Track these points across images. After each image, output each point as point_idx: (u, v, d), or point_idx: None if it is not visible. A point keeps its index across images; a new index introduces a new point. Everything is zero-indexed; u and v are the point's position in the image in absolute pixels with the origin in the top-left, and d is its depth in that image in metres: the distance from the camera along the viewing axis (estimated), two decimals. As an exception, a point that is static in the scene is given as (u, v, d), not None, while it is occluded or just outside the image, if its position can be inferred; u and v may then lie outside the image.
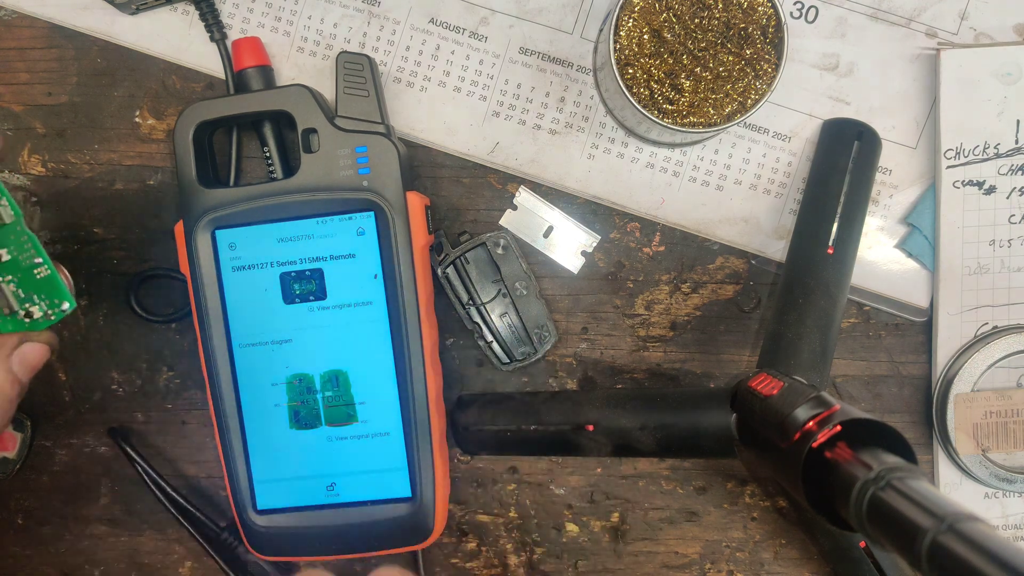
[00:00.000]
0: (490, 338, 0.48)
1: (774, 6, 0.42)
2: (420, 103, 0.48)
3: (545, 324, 0.49)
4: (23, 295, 0.36)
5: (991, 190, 0.47)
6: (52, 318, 0.36)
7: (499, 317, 0.48)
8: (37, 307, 0.36)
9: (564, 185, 0.49)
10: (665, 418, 0.42)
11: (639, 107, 0.42)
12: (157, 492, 0.49)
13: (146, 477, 0.48)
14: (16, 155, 0.49)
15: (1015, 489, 0.48)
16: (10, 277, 0.35)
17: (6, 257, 0.35)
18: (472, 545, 0.50)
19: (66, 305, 0.36)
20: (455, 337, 0.50)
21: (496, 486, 0.50)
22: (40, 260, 0.36)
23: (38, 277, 0.36)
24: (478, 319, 0.48)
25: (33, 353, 0.36)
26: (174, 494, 0.48)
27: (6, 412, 0.34)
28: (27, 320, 0.36)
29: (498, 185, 0.49)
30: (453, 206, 0.49)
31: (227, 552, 0.48)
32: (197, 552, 0.50)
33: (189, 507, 0.49)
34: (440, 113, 0.48)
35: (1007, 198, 0.47)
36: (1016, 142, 0.47)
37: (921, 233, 0.48)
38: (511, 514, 0.50)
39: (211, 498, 0.50)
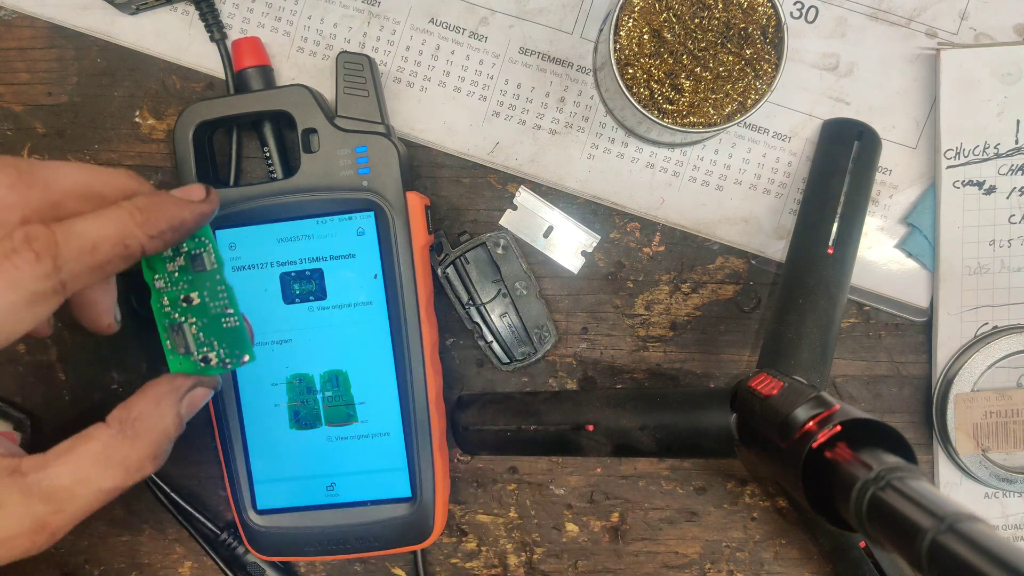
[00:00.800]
0: (490, 338, 0.48)
1: (774, 6, 0.42)
2: (420, 103, 0.48)
3: (545, 324, 0.49)
4: (203, 339, 0.36)
5: (991, 190, 0.47)
6: (228, 366, 0.36)
7: (499, 317, 0.48)
8: (215, 353, 0.36)
9: (564, 185, 0.49)
10: (665, 418, 0.42)
11: (639, 107, 0.42)
12: (157, 492, 0.49)
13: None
14: (16, 156, 0.49)
15: (1015, 489, 0.48)
16: (194, 320, 0.35)
17: (197, 301, 0.35)
18: (472, 545, 0.50)
19: (247, 358, 0.36)
20: (455, 337, 0.50)
21: (496, 486, 0.50)
22: (232, 311, 0.36)
23: (225, 326, 0.36)
24: (478, 319, 0.48)
25: (202, 397, 0.36)
26: (174, 494, 0.49)
27: (167, 452, 0.35)
28: (202, 364, 0.36)
29: (498, 185, 0.49)
30: (453, 206, 0.49)
31: (227, 552, 0.49)
32: (197, 552, 0.50)
33: (189, 507, 0.49)
34: (440, 113, 0.48)
35: (1007, 198, 0.47)
36: (1016, 142, 0.47)
37: (921, 233, 0.48)
38: (511, 514, 0.50)
39: (211, 498, 0.50)
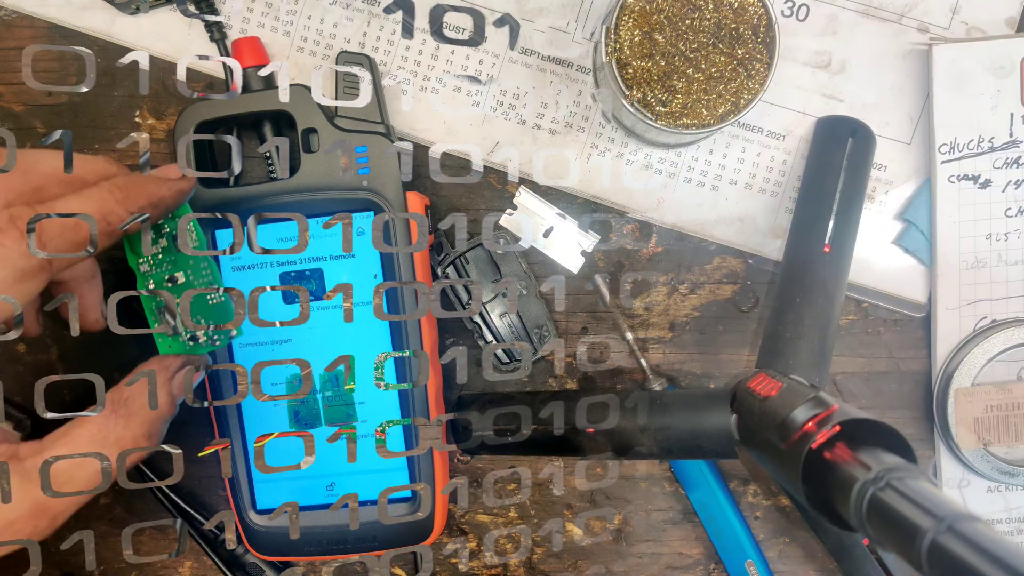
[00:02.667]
0: (490, 338, 0.48)
1: (765, 5, 0.42)
2: (420, 103, 0.48)
3: (545, 324, 0.49)
4: (190, 318, 0.36)
5: (986, 184, 0.47)
6: (217, 343, 0.37)
7: (499, 317, 0.48)
8: (203, 331, 0.36)
9: (564, 185, 0.49)
10: (665, 419, 0.42)
11: (632, 109, 0.42)
12: (157, 492, 0.49)
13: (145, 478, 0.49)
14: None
15: (1018, 483, 0.48)
16: (178, 300, 0.36)
17: (182, 280, 0.36)
18: (472, 545, 0.50)
19: (234, 332, 0.37)
20: (455, 337, 0.50)
21: (496, 486, 0.50)
22: (216, 287, 0.36)
23: (211, 302, 0.36)
24: (478, 319, 0.48)
25: (192, 376, 0.36)
26: (173, 495, 0.49)
27: (162, 433, 0.35)
28: (191, 343, 0.36)
29: (498, 185, 0.49)
30: (453, 206, 0.49)
31: (227, 552, 0.49)
32: (197, 552, 0.50)
33: (188, 507, 0.49)
34: (440, 113, 0.48)
35: (1002, 191, 0.47)
36: (1010, 135, 0.47)
37: (917, 229, 0.48)
38: (511, 514, 0.50)
39: (211, 498, 0.50)
